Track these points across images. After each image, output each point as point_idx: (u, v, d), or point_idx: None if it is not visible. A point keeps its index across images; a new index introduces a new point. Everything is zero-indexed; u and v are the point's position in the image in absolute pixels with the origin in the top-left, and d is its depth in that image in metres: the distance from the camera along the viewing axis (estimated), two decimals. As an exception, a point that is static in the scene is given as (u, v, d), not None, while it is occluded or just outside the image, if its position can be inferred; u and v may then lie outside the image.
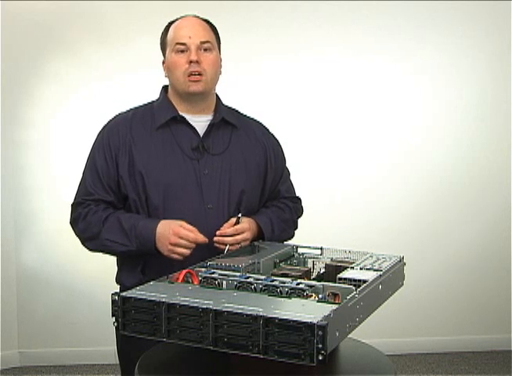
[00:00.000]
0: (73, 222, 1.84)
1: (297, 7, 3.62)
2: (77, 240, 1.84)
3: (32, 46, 3.53)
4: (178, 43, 1.80)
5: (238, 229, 1.76)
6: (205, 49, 1.81)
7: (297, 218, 2.02)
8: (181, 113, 1.85)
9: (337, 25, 3.68)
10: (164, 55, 1.88)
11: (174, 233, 1.68)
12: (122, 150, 1.81)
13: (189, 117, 1.86)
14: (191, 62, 1.78)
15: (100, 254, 1.84)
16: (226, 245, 1.73)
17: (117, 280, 1.89)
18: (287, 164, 2.05)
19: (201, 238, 1.70)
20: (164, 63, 1.88)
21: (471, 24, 3.75)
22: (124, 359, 1.87)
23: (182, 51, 1.80)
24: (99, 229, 1.76)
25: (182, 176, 1.80)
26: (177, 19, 1.87)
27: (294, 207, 2.00)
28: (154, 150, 1.81)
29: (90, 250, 1.84)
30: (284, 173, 2.03)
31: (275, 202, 1.97)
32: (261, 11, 3.61)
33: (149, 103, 1.93)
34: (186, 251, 1.69)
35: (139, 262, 1.80)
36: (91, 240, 1.79)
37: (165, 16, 1.92)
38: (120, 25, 3.55)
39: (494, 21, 3.75)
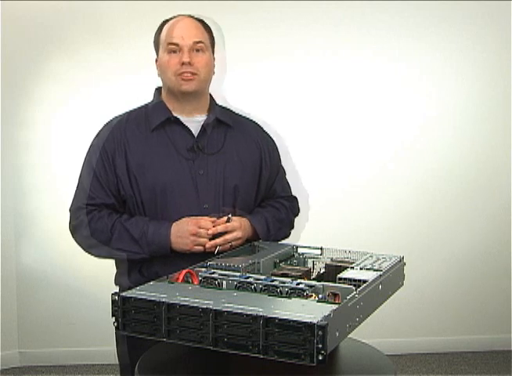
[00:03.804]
0: (75, 229, 1.81)
1: (296, 7, 3.62)
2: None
3: (32, 46, 3.52)
4: (170, 43, 1.81)
5: (228, 227, 1.75)
6: (197, 50, 1.81)
7: (294, 218, 2.02)
8: (175, 115, 1.86)
9: (336, 25, 3.67)
10: (157, 53, 1.88)
11: (194, 223, 1.71)
12: (118, 152, 1.81)
13: (183, 118, 1.86)
14: (183, 63, 1.78)
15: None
16: (217, 246, 1.73)
17: (116, 282, 1.89)
18: (286, 164, 2.05)
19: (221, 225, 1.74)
20: (156, 61, 1.89)
21: (471, 24, 3.75)
22: (123, 359, 1.86)
23: (175, 51, 1.80)
24: (107, 237, 1.74)
25: (178, 177, 1.80)
26: (171, 19, 1.87)
27: (290, 207, 2.00)
28: (149, 152, 1.81)
29: (96, 256, 1.82)
30: (280, 172, 2.03)
31: (271, 201, 1.97)
32: (261, 11, 3.60)
33: (143, 105, 1.93)
34: (206, 240, 1.71)
35: (138, 263, 1.79)
36: (98, 247, 1.77)
37: (165, 16, 1.92)
38: (120, 25, 3.55)
39: (494, 21, 3.75)
